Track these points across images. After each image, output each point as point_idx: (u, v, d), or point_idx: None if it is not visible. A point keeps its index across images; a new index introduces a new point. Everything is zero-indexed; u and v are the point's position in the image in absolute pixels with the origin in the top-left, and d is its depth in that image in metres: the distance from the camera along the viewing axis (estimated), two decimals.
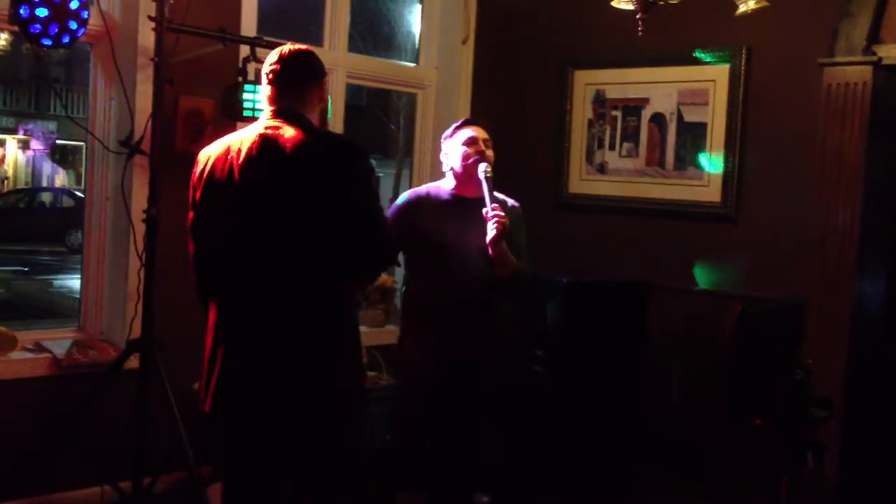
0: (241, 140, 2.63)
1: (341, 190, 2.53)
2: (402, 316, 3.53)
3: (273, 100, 2.68)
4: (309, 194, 2.53)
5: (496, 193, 3.38)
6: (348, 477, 2.75)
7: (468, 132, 3.38)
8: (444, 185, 3.47)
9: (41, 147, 21.48)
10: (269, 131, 2.60)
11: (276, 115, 2.64)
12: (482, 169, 3.27)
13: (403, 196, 3.52)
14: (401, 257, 3.48)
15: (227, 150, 2.63)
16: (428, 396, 3.38)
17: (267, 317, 2.56)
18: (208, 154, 2.68)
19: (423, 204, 3.41)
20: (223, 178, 2.59)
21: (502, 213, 3.16)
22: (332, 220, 2.52)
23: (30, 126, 21.79)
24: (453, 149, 3.40)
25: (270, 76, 2.69)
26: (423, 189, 3.52)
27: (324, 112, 2.77)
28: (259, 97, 3.67)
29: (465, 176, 3.35)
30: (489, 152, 3.36)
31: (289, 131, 2.58)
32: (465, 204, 3.35)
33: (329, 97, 2.85)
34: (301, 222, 2.53)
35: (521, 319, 3.45)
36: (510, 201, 3.46)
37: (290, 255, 2.54)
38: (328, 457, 2.72)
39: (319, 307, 2.58)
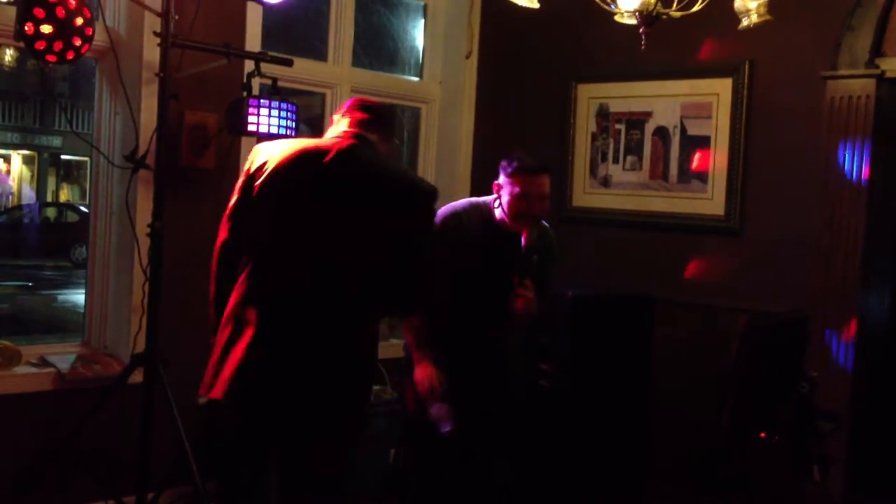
0: (316, 149, 2.67)
1: (402, 228, 2.62)
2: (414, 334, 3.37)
3: (352, 124, 2.75)
4: (369, 221, 2.60)
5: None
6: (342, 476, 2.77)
7: (525, 185, 3.16)
8: (492, 207, 3.31)
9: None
10: (349, 150, 2.66)
11: (354, 137, 2.71)
12: (526, 237, 3.14)
13: (442, 213, 3.31)
14: None
15: (300, 154, 2.65)
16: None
17: (300, 322, 2.61)
18: (272, 151, 2.69)
19: (461, 224, 3.29)
20: (288, 182, 2.63)
21: (528, 297, 3.08)
22: (384, 252, 2.60)
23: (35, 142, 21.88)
24: (508, 188, 3.20)
25: (355, 112, 2.78)
26: (463, 205, 3.37)
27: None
28: (263, 113, 3.69)
29: (511, 221, 3.23)
30: (545, 203, 3.21)
31: (367, 156, 2.66)
32: (507, 234, 3.22)
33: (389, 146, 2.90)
34: (352, 247, 2.60)
35: (530, 345, 3.40)
36: (543, 223, 3.38)
37: (334, 269, 2.61)
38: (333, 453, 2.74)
39: (351, 320, 2.64)
